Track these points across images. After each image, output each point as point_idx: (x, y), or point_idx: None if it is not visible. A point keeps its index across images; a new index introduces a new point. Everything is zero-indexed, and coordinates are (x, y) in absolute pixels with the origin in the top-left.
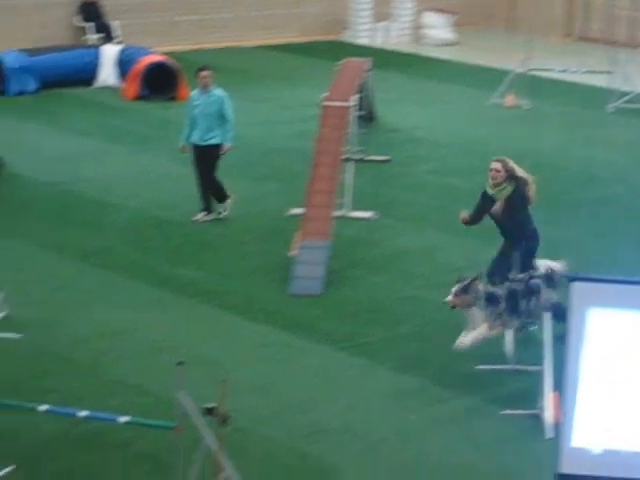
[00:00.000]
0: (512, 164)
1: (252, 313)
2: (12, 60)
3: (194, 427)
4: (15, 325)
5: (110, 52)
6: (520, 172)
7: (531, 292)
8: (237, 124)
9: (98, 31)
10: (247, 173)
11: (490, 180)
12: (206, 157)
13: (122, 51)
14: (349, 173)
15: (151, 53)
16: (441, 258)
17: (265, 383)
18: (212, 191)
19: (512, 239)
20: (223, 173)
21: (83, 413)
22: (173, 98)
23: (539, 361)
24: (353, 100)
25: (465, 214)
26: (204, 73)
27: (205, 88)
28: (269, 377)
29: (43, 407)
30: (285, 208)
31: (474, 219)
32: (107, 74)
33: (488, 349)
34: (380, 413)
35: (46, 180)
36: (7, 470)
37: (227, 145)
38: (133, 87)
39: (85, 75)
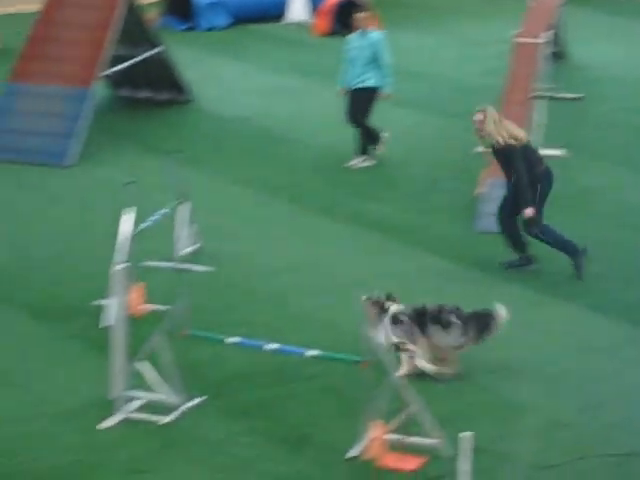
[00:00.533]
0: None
1: (440, 250)
2: None
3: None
4: (206, 257)
5: None
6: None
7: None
8: (425, 61)
9: None
10: (435, 109)
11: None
12: (359, 100)
13: None
14: (540, 111)
15: None
16: (632, 198)
17: None
18: (364, 135)
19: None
20: (411, 106)
21: (271, 346)
22: None
23: None
24: (545, 37)
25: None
26: (359, 15)
27: (362, 29)
28: None
29: (232, 339)
30: (473, 145)
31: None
32: (298, 9)
33: None
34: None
35: (236, 115)
36: (198, 400)
37: (386, 91)
38: (324, 22)
39: (275, 10)
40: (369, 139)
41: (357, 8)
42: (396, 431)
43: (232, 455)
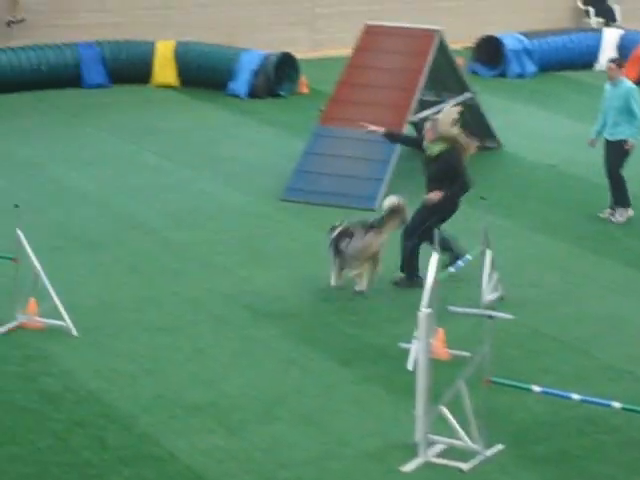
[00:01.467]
0: (447, 128)
1: None
2: (512, 42)
3: None
4: (509, 305)
5: (611, 36)
6: (459, 136)
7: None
8: None
9: (599, 14)
10: None
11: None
12: (611, 152)
13: (623, 35)
14: None
15: None
16: None
17: None
18: (613, 188)
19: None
20: None
21: (577, 396)
22: None
23: None
24: None
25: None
26: (609, 65)
27: (612, 80)
28: None
29: (537, 388)
30: None
31: (398, 138)
32: (607, 58)
33: None
34: None
35: (543, 162)
36: (497, 449)
37: (632, 141)
38: (634, 70)
39: (586, 58)
40: (615, 195)
41: None
42: None
43: None
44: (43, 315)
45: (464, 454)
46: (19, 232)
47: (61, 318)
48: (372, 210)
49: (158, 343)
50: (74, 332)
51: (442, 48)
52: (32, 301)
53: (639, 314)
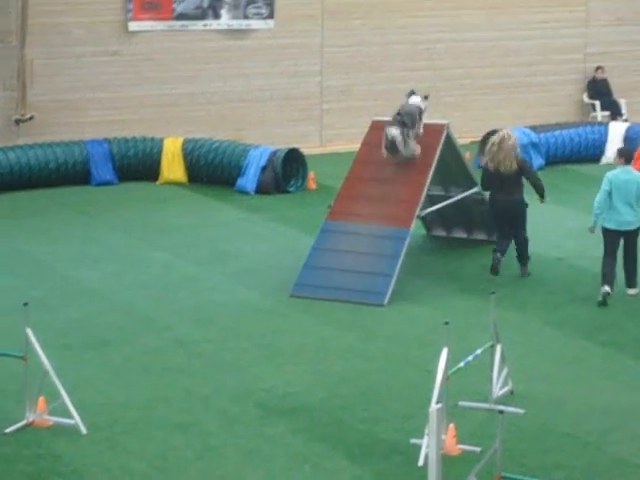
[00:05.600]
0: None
1: None
2: (519, 136)
3: None
4: (519, 399)
5: (617, 130)
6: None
7: None
8: None
9: (605, 108)
10: None
11: None
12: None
13: (628, 129)
14: None
15: None
16: None
17: None
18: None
19: None
20: None
21: None
22: None
23: None
24: None
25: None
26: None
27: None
28: None
29: None
30: None
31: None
32: (614, 152)
33: None
34: None
35: (551, 255)
36: None
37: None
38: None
39: (592, 152)
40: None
41: None
42: None
43: None
44: (53, 413)
45: None
46: (28, 330)
47: (71, 416)
48: (382, 305)
49: (169, 441)
50: (84, 430)
51: (450, 142)
52: (41, 399)
53: None
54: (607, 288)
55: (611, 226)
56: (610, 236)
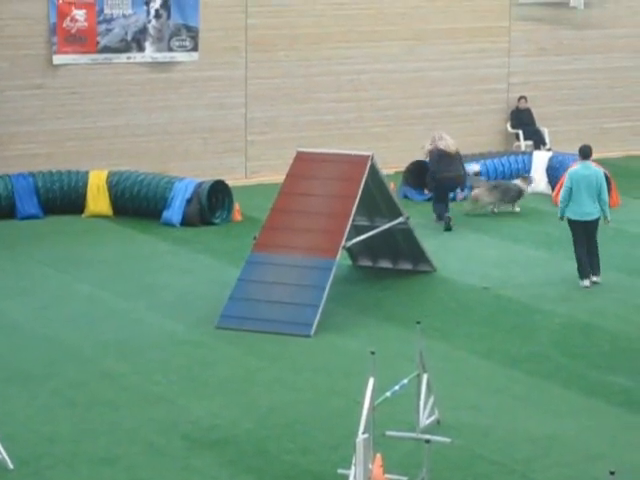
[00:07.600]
0: None
1: None
2: None
3: None
4: (446, 429)
5: (541, 159)
6: None
7: None
8: None
9: (528, 138)
10: None
11: None
12: None
13: (552, 158)
14: None
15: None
16: None
17: None
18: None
19: None
20: None
21: None
22: None
23: None
24: None
25: None
26: None
27: None
28: None
29: None
30: None
31: None
32: (538, 180)
33: None
34: None
35: (477, 284)
36: None
37: None
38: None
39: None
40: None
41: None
42: None
43: None
44: None
45: None
46: None
47: None
48: (308, 336)
49: (95, 475)
50: (10, 465)
51: (374, 173)
52: None
53: (575, 434)
54: (586, 282)
55: (574, 217)
56: (575, 226)
